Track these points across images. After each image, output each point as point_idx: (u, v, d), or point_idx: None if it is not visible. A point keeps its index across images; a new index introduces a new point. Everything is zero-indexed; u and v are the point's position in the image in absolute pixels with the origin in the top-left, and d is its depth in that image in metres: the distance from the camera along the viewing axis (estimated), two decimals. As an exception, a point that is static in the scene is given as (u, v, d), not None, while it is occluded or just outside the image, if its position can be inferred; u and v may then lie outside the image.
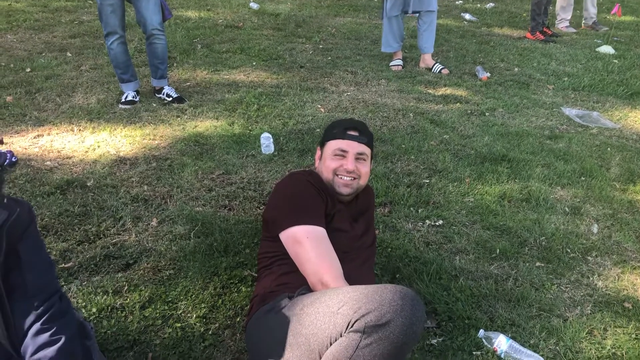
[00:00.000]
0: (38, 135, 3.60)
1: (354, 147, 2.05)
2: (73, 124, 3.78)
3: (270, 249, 2.01)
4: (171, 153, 3.45)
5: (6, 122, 3.74)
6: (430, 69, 5.30)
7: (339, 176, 2.02)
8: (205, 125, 3.86)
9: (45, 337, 1.40)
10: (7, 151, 3.25)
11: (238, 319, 2.13)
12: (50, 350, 1.38)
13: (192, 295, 2.24)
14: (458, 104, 4.52)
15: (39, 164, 3.22)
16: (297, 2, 7.90)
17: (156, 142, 3.60)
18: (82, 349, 1.52)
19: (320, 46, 5.90)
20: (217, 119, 3.98)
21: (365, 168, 2.08)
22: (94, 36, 5.74)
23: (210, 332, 2.06)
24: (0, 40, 5.39)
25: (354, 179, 2.05)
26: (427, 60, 5.36)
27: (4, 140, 3.46)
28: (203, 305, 2.19)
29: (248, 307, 1.99)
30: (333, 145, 2.05)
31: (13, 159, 3.21)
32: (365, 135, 2.08)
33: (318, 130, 3.83)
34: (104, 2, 3.87)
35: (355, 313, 1.47)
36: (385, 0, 5.14)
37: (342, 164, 2.02)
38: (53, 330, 1.41)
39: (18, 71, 4.67)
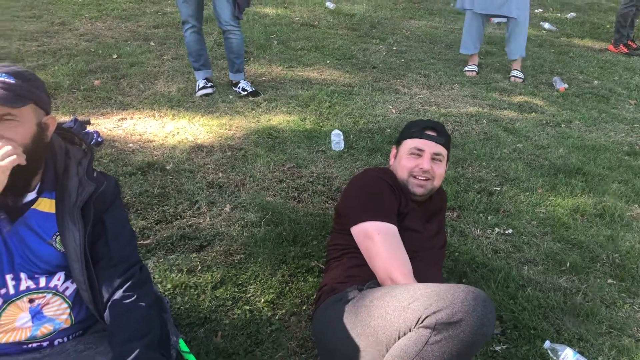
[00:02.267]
0: (122, 119, 3.79)
1: (430, 146, 2.06)
2: (154, 109, 3.97)
3: (340, 241, 2.05)
4: (245, 143, 3.55)
5: (93, 104, 3.97)
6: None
7: (414, 175, 2.03)
8: (279, 119, 3.96)
9: (127, 304, 1.49)
10: (94, 131, 3.45)
11: (304, 307, 2.19)
12: (131, 317, 1.47)
13: (261, 281, 2.32)
14: (533, 113, 4.42)
15: (122, 145, 3.40)
16: (372, 3, 7.93)
17: (231, 132, 3.72)
18: (159, 319, 1.62)
19: (394, 48, 5.91)
20: (289, 113, 4.07)
21: (440, 169, 2.09)
22: (176, 28, 5.96)
23: (277, 317, 2.13)
24: (90, 28, 5.69)
25: (428, 179, 2.06)
26: (513, 65, 5.29)
27: (91, 121, 3.67)
28: (271, 291, 2.26)
29: (315, 296, 2.04)
30: (410, 144, 2.07)
31: (99, 139, 3.40)
32: (442, 136, 2.09)
33: (389, 130, 3.85)
34: None
35: (426, 309, 1.49)
36: None
37: (418, 163, 2.03)
38: (133, 298, 1.50)
39: (105, 57, 4.92)
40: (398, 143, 2.15)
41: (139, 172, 3.08)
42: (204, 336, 2.01)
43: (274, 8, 7.10)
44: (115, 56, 4.96)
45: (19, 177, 1.40)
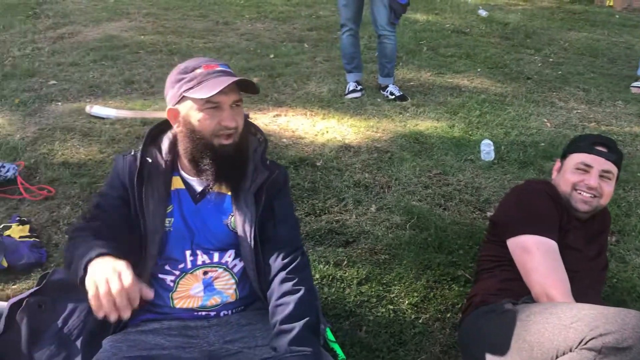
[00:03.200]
0: (277, 115, 4.00)
1: (600, 163, 1.94)
2: (306, 108, 4.13)
3: (494, 252, 2.00)
4: (392, 146, 3.58)
5: (252, 100, 4.22)
6: None
7: (578, 191, 1.93)
8: (426, 124, 3.94)
9: (288, 285, 1.57)
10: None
11: (448, 315, 2.16)
12: (292, 298, 1.55)
13: (405, 283, 2.33)
14: None
15: (277, 140, 3.59)
16: (528, 12, 7.60)
17: (378, 134, 3.77)
18: (315, 305, 1.69)
19: (550, 59, 5.62)
20: (437, 120, 4.03)
21: (609, 187, 1.96)
22: (329, 31, 6.16)
23: (420, 321, 2.13)
24: (250, 28, 6.06)
25: (594, 197, 1.94)
26: None
27: (250, 116, 3.91)
28: (415, 294, 2.26)
29: (463, 304, 2.01)
30: (577, 158, 1.97)
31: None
32: (614, 153, 1.96)
33: (543, 144, 3.68)
34: None
35: (592, 331, 1.41)
36: None
37: (584, 179, 1.92)
38: (295, 280, 1.58)
39: (263, 57, 5.21)
40: (563, 156, 2.05)
41: (292, 166, 3.23)
42: (349, 329, 2.06)
43: (424, 14, 7.07)
44: (272, 56, 5.24)
45: (242, 162, 1.58)
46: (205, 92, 1.45)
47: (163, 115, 3.89)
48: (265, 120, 3.89)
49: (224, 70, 1.53)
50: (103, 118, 3.70)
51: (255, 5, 6.99)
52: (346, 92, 4.44)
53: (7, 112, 3.77)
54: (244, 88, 1.53)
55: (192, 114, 1.50)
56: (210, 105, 1.48)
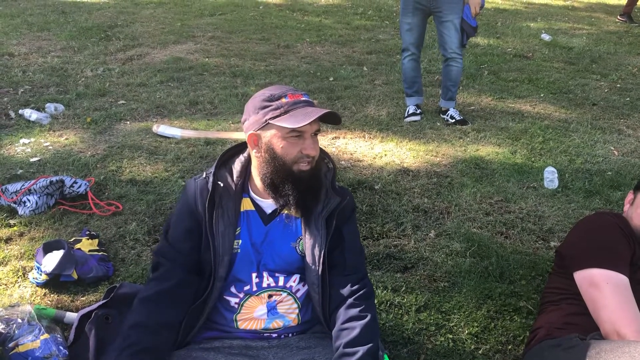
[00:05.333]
0: (335, 137, 4.03)
1: (676, 198, 1.86)
2: (365, 131, 4.15)
3: (560, 285, 1.94)
4: (451, 171, 3.54)
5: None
6: None
7: (653, 226, 1.85)
8: (487, 150, 3.88)
9: (355, 311, 1.58)
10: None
11: (510, 347, 2.10)
12: (358, 324, 1.55)
13: (465, 312, 2.28)
14: None
15: (336, 162, 3.60)
16: (593, 36, 7.40)
17: (438, 159, 3.73)
18: (378, 332, 1.69)
19: (618, 85, 5.44)
20: (499, 145, 3.96)
21: (684, 224, 1.87)
22: (388, 54, 6.18)
23: (480, 352, 2.08)
24: (311, 52, 6.16)
25: (671, 233, 1.86)
26: None
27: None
28: (475, 324, 2.21)
29: (527, 337, 1.95)
30: (651, 192, 1.89)
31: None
32: (690, 188, 1.87)
33: (610, 173, 3.55)
34: (403, 20, 4.22)
35: (669, 374, 1.35)
36: None
37: (659, 213, 1.85)
38: (362, 307, 1.59)
39: (323, 79, 5.28)
40: (637, 189, 1.98)
41: (350, 189, 3.23)
42: (407, 356, 2.04)
43: (485, 38, 7.00)
44: (331, 79, 5.30)
45: (317, 187, 1.62)
46: (293, 122, 1.48)
47: (226, 135, 3.98)
48: (324, 142, 3.93)
49: (308, 101, 1.56)
50: (168, 137, 3.84)
51: (316, 29, 7.10)
52: (406, 115, 4.43)
53: (80, 129, 3.97)
54: (324, 118, 1.55)
55: (275, 141, 1.53)
56: (294, 134, 1.51)
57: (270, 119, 1.51)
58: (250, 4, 8.35)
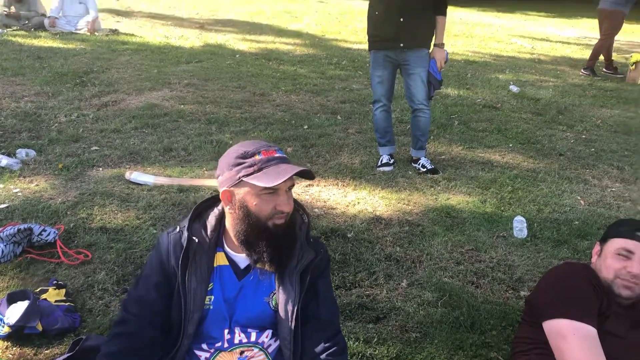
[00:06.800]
0: (309, 185, 4.06)
1: (642, 250, 1.92)
2: (338, 179, 4.19)
3: (529, 334, 1.96)
4: (423, 220, 3.59)
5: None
6: None
7: (621, 278, 1.90)
8: (457, 199, 3.94)
9: None
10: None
11: (481, 400, 2.10)
12: None
13: (436, 363, 2.27)
14: None
15: (309, 210, 3.63)
16: (559, 88, 7.68)
17: (410, 207, 3.78)
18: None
19: (583, 136, 5.63)
20: (469, 194, 4.03)
21: (652, 275, 1.92)
22: (361, 103, 6.31)
23: (452, 405, 2.06)
24: (286, 100, 6.25)
25: (638, 284, 1.90)
26: None
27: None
28: (447, 375, 2.21)
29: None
30: (617, 243, 1.94)
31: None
32: (656, 240, 1.93)
33: (577, 222, 3.63)
34: (373, 73, 4.35)
35: None
36: None
37: (626, 265, 1.90)
38: None
39: (297, 127, 5.35)
40: (603, 240, 2.03)
41: (323, 237, 3.25)
42: (379, 410, 2.01)
43: (456, 89, 7.20)
44: (305, 127, 5.37)
45: (292, 242, 1.61)
46: (267, 180, 1.48)
47: (199, 183, 3.97)
48: (298, 190, 3.95)
49: (282, 157, 1.57)
50: (141, 184, 3.82)
51: (291, 78, 7.23)
52: (379, 164, 4.50)
53: (51, 176, 3.93)
54: (298, 173, 1.56)
55: (249, 199, 1.53)
56: (268, 191, 1.51)
57: (243, 176, 1.51)
58: (227, 52, 8.48)
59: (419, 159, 4.53)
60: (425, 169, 4.43)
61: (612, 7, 8.31)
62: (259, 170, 1.51)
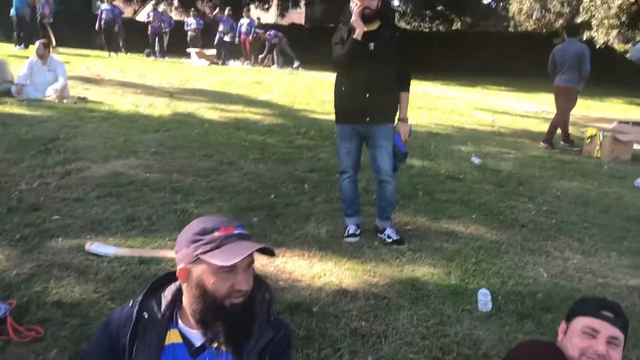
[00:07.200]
0: (274, 256, 4.01)
1: (607, 329, 1.94)
2: (304, 250, 4.17)
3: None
4: (389, 293, 3.56)
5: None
6: None
7: (587, 357, 1.90)
8: (423, 270, 3.95)
9: None
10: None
11: None
12: None
13: None
14: None
15: (273, 282, 3.57)
16: (519, 160, 7.92)
17: (375, 279, 3.76)
18: None
19: (544, 208, 5.77)
20: (434, 266, 4.05)
21: (616, 355, 1.93)
22: (329, 173, 6.37)
23: None
24: (253, 168, 6.28)
25: (603, 364, 1.91)
26: None
27: (247, 256, 3.93)
28: None
29: None
30: (583, 322, 1.96)
31: None
32: (620, 319, 1.97)
33: (540, 295, 3.66)
34: (340, 145, 4.45)
35: None
36: None
37: (592, 345, 1.91)
38: None
39: (264, 197, 5.35)
40: (568, 318, 2.05)
41: (287, 311, 3.19)
42: None
43: (420, 160, 7.36)
44: (272, 196, 5.38)
45: (250, 321, 1.56)
46: (224, 258, 1.46)
47: (161, 254, 3.90)
48: (263, 261, 3.90)
49: (242, 234, 1.56)
50: (101, 256, 3.72)
51: (259, 147, 7.30)
52: (346, 234, 4.51)
53: (7, 247, 3.80)
54: (258, 250, 1.54)
55: (206, 277, 1.50)
56: (225, 269, 1.49)
57: (200, 254, 1.50)
58: (196, 121, 8.55)
59: (385, 229, 4.55)
60: (391, 240, 4.45)
61: (566, 85, 8.77)
62: (217, 247, 1.49)
